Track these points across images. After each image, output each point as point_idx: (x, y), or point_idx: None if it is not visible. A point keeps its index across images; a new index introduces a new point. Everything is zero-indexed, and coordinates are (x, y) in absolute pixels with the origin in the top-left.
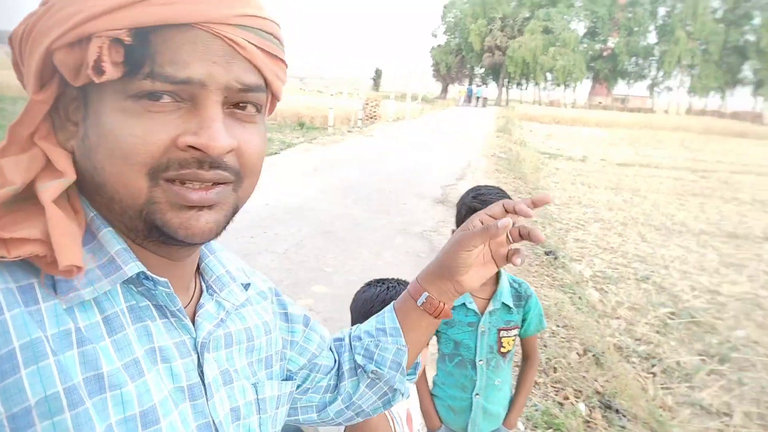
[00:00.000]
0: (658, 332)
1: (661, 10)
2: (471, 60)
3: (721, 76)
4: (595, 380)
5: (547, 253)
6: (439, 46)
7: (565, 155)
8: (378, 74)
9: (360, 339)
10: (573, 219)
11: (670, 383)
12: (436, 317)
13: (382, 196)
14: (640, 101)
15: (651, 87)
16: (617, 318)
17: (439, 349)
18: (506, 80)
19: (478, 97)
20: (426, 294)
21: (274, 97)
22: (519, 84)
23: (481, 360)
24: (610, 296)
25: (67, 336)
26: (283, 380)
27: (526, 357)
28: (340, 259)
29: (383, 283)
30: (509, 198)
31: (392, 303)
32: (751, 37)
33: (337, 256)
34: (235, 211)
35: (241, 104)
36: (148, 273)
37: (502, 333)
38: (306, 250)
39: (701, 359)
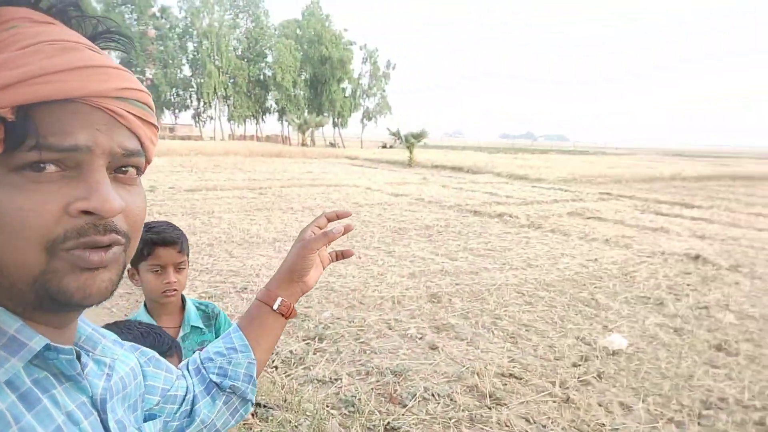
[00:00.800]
0: None
1: (190, 45)
2: None
3: (251, 105)
4: None
5: None
6: None
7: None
8: None
9: (212, 360)
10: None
11: (290, 370)
12: (287, 317)
13: None
14: (188, 129)
15: (196, 116)
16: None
17: None
18: None
19: None
20: (280, 298)
21: (147, 160)
22: None
23: None
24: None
25: (3, 417)
26: (146, 421)
27: None
28: None
29: (130, 329)
30: (176, 227)
31: (236, 323)
32: (269, 72)
33: None
34: (124, 270)
35: (123, 168)
36: (52, 344)
37: None
38: None
39: (306, 343)
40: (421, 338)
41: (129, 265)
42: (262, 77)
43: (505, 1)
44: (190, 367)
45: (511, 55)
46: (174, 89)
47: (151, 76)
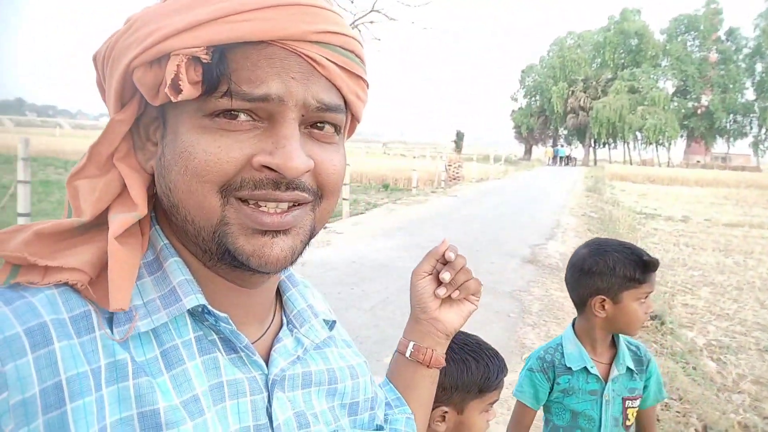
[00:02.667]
0: None
1: (759, 66)
2: (554, 121)
3: None
4: None
5: (651, 318)
6: (520, 108)
7: (663, 215)
8: (459, 137)
9: None
10: (678, 282)
11: None
12: (428, 366)
13: (467, 254)
14: (744, 159)
15: (754, 145)
16: (740, 392)
17: (548, 421)
18: (592, 140)
19: (562, 157)
20: (412, 343)
21: (354, 118)
22: (606, 143)
23: None
24: (729, 368)
25: (123, 366)
26: (371, 430)
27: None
28: None
29: (456, 342)
30: (638, 249)
31: (386, 374)
32: None
33: None
34: (312, 235)
35: (318, 124)
36: (209, 307)
37: (628, 403)
38: (393, 306)
39: None
40: None
41: (597, 295)
42: None
43: None
44: None
45: None
46: (731, 115)
47: (706, 103)
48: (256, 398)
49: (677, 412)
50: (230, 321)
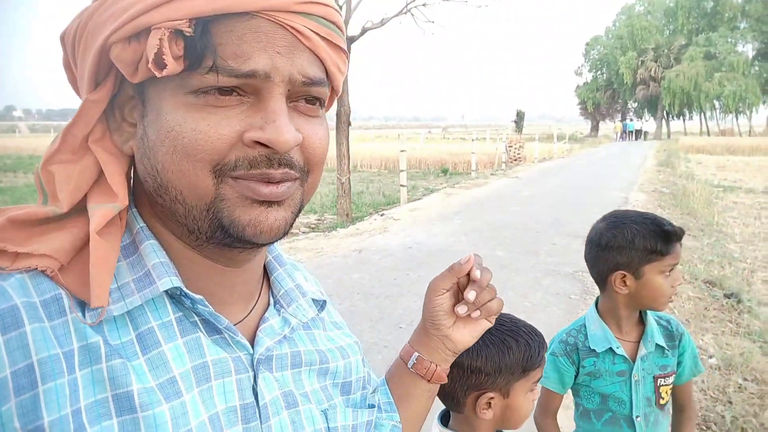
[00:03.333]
0: None
1: None
2: (623, 94)
3: None
4: None
5: (727, 296)
6: (585, 83)
7: (743, 187)
8: (520, 116)
9: None
10: (759, 258)
11: None
12: (429, 381)
13: (528, 236)
14: None
15: None
16: None
17: (578, 404)
18: (665, 112)
19: (631, 131)
20: (416, 354)
21: (334, 91)
22: (680, 114)
23: (638, 416)
24: None
25: (96, 349)
26: (361, 408)
27: (682, 408)
28: None
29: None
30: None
31: (385, 375)
32: None
33: None
34: (301, 207)
35: (303, 98)
36: (184, 289)
37: (660, 381)
38: None
39: None
40: None
41: (617, 270)
42: None
43: None
44: None
45: None
46: None
47: None
48: (241, 377)
49: (752, 393)
50: (206, 303)
